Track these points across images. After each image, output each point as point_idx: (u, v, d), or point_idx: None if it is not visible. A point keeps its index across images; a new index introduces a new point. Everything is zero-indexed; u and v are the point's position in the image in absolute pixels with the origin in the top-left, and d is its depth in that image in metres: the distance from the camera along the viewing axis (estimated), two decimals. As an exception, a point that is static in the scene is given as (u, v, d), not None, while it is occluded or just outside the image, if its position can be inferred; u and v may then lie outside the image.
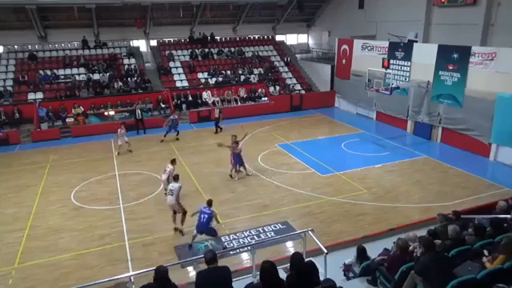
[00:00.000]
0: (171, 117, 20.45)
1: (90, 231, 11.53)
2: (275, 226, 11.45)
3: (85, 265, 9.90)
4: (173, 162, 13.05)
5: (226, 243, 10.56)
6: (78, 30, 27.15)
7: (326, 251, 7.24)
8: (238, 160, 15.05)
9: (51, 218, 12.40)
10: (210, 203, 10.21)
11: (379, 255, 7.70)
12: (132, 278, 6.98)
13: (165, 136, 20.19)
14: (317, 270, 5.54)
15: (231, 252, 10.00)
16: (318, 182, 14.72)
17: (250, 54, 30.33)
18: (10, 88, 23.54)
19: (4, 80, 24.02)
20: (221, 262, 5.85)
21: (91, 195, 14.00)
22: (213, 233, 10.17)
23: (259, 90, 26.28)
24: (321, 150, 18.46)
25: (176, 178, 11.33)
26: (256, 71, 28.73)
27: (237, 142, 15.03)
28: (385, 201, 13.02)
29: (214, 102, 24.91)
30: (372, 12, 27.20)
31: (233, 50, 30.26)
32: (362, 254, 7.99)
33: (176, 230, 11.28)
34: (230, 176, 15.20)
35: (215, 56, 29.60)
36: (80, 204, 13.33)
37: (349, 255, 8.35)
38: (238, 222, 11.80)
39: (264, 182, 14.74)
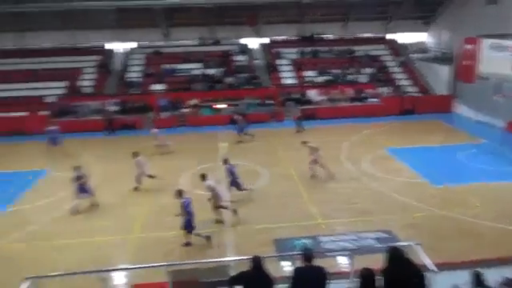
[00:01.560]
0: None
1: (196, 214, 12.34)
2: (376, 234, 10.89)
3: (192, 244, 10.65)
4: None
5: (323, 244, 10.40)
6: (197, 28, 29.27)
7: (435, 270, 6.61)
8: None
9: (163, 198, 13.48)
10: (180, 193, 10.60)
11: (500, 284, 6.77)
12: (231, 263, 7.30)
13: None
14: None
15: (328, 253, 9.81)
16: (428, 192, 13.59)
17: (360, 53, 29.26)
18: (139, 79, 26.45)
19: (135, 72, 27.09)
20: (316, 262, 5.77)
21: (198, 181, 14.91)
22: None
23: (368, 90, 25.26)
24: (433, 158, 17.01)
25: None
26: (365, 71, 27.64)
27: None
28: (508, 222, 11.43)
29: (319, 101, 24.72)
30: (507, 8, 23.96)
31: (341, 48, 29.54)
32: (478, 280, 7.10)
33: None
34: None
35: (323, 54, 29.25)
36: (188, 188, 14.32)
37: (458, 278, 7.51)
38: (336, 224, 11.54)
39: (368, 187, 14.15)
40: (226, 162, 13.30)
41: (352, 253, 7.79)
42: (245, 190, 13.28)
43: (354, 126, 21.77)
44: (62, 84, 25.82)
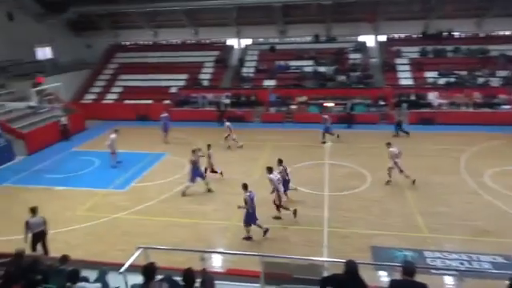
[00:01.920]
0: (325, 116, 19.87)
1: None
2: (494, 258, 9.57)
3: (286, 238, 10.80)
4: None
5: (428, 260, 9.54)
6: (313, 25, 29.14)
7: None
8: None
9: (266, 190, 13.78)
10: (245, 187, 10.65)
11: None
12: (325, 263, 7.16)
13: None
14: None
15: (433, 271, 8.98)
16: None
17: (495, 53, 25.83)
18: (251, 75, 27.54)
19: (248, 67, 28.26)
20: (417, 278, 5.28)
21: (301, 177, 14.99)
22: None
23: (501, 95, 22.24)
24: None
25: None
26: (499, 73, 24.33)
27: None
28: None
29: (439, 105, 22.64)
30: None
31: (473, 47, 26.45)
32: None
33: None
34: None
35: (450, 54, 26.58)
36: (291, 183, 14.45)
37: None
38: (446, 241, 10.46)
39: (488, 203, 12.52)
40: (280, 162, 12.91)
41: (461, 274, 7.00)
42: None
43: (478, 135, 19.41)
44: (184, 76, 28.27)
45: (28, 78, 23.79)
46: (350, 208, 12.45)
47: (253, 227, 10.78)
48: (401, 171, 13.94)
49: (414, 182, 13.96)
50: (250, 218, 10.62)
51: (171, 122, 20.95)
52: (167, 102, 25.78)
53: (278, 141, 19.95)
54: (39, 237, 9.77)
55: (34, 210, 9.80)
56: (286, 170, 12.97)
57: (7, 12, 25.51)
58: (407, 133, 20.09)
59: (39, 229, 9.74)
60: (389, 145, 14.44)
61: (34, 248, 9.74)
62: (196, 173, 13.83)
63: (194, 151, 13.99)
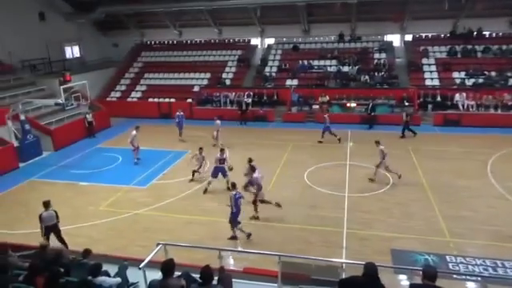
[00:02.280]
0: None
1: (315, 210, 12.38)
2: (521, 265, 9.24)
3: (304, 238, 10.74)
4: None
5: (451, 265, 9.30)
6: (337, 24, 28.82)
7: None
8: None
9: (285, 190, 13.95)
10: (233, 186, 10.74)
11: None
12: (344, 265, 7.08)
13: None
14: None
15: (455, 276, 8.75)
16: None
17: (529, 53, 24.86)
18: (274, 74, 27.50)
19: (271, 67, 28.24)
20: (439, 283, 5.15)
21: (322, 178, 14.92)
22: None
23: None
24: None
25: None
26: (533, 74, 23.41)
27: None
28: None
29: (467, 107, 22.01)
30: None
31: (504, 47, 25.54)
32: None
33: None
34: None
35: (479, 54, 25.76)
36: (311, 184, 14.44)
37: None
38: (470, 246, 10.16)
39: (516, 209, 12.09)
40: (250, 161, 12.95)
41: (485, 280, 6.79)
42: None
43: (506, 138, 18.77)
44: (207, 75, 28.51)
45: (56, 75, 24.59)
46: (371, 210, 12.26)
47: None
48: (389, 170, 14.17)
49: (400, 176, 14.09)
50: (234, 219, 10.63)
51: (185, 120, 21.27)
52: (190, 100, 26.07)
53: (299, 141, 19.85)
54: (52, 229, 10.18)
55: (46, 204, 10.21)
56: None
57: (39, 12, 26.41)
58: (414, 133, 19.83)
59: (51, 222, 10.13)
60: (378, 143, 14.48)
61: (47, 240, 10.05)
62: (217, 170, 13.96)
63: (221, 150, 14.36)
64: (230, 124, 23.25)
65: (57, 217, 10.18)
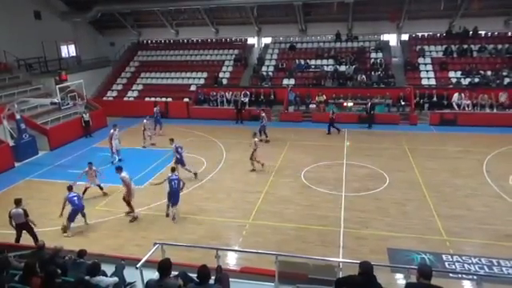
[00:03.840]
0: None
1: (312, 209, 12.39)
2: (517, 264, 9.30)
3: (301, 238, 10.76)
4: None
5: (447, 264, 9.34)
6: (334, 23, 28.87)
7: None
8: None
9: (282, 189, 13.97)
10: (173, 170, 12.06)
11: None
12: (341, 264, 7.09)
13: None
14: None
15: (451, 274, 8.79)
16: None
17: (524, 53, 24.99)
18: (270, 73, 27.49)
19: (267, 66, 28.23)
20: (435, 282, 5.17)
21: (319, 177, 14.95)
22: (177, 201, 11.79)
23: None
24: None
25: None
26: (528, 74, 23.53)
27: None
28: None
29: (463, 106, 22.09)
30: None
31: (500, 46, 25.67)
32: None
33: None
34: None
35: (475, 53, 25.88)
36: (308, 183, 14.46)
37: None
38: (466, 245, 10.21)
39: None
40: (172, 141, 15.09)
41: (481, 279, 6.80)
42: (188, 170, 14.90)
43: (502, 137, 18.86)
44: (204, 75, 28.46)
45: (52, 74, 24.47)
46: (368, 209, 12.29)
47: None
48: (256, 160, 15.48)
49: (262, 164, 15.51)
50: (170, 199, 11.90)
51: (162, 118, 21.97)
52: (186, 99, 26.04)
53: (296, 140, 19.87)
54: (22, 227, 10.34)
55: (17, 202, 10.37)
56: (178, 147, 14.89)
57: (34, 11, 26.26)
58: (339, 130, 20.76)
59: (20, 220, 10.25)
60: (254, 135, 15.85)
61: (17, 238, 10.40)
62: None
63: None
64: (227, 123, 23.29)
65: (26, 215, 10.30)
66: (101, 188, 14.18)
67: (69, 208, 11.42)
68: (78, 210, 11.48)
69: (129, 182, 12.12)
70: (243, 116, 23.94)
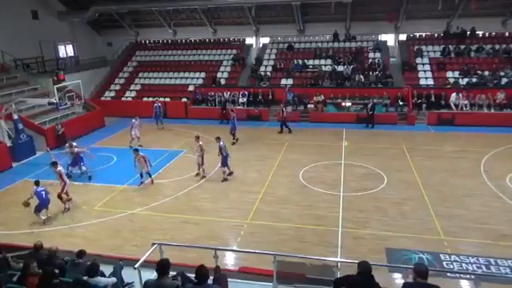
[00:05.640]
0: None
1: (310, 209, 12.40)
2: (514, 263, 9.33)
3: (300, 238, 10.76)
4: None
5: (445, 263, 9.37)
6: (331, 24, 28.91)
7: None
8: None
9: (280, 189, 13.98)
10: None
11: None
12: (339, 264, 7.11)
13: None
14: None
15: (449, 274, 8.82)
16: None
17: (521, 53, 25.05)
18: (269, 73, 27.50)
19: (266, 66, 28.24)
20: (433, 281, 5.18)
21: (317, 177, 14.96)
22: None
23: (525, 97, 21.61)
24: None
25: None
26: (525, 74, 23.60)
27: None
28: None
29: (461, 106, 22.15)
30: None
31: (497, 47, 25.76)
32: None
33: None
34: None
35: (472, 53, 25.95)
36: (306, 183, 14.46)
37: None
38: (463, 244, 10.23)
39: (510, 208, 12.15)
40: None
41: (478, 278, 6.84)
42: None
43: (500, 137, 18.92)
44: (202, 75, 28.45)
45: (50, 74, 24.41)
46: (366, 209, 12.31)
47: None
48: (202, 164, 15.35)
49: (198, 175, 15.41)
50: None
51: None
52: (185, 99, 26.04)
53: (294, 140, 19.89)
54: None
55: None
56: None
57: (31, 10, 26.19)
58: (290, 130, 21.16)
59: None
60: (197, 138, 15.49)
61: None
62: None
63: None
64: (225, 123, 23.26)
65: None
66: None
67: (36, 201, 12.01)
68: (44, 203, 12.12)
69: (64, 177, 13.01)
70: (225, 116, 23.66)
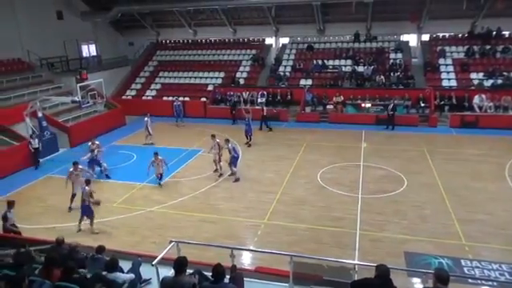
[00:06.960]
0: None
1: (327, 211, 12.31)
2: (538, 270, 9.03)
3: (316, 239, 10.70)
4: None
5: (466, 269, 9.14)
6: (352, 24, 28.57)
7: None
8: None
9: (298, 190, 13.93)
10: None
11: None
12: (356, 266, 7.02)
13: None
14: None
15: (470, 280, 8.60)
16: None
17: (549, 54, 24.23)
18: (288, 73, 27.42)
19: (285, 66, 28.17)
20: (453, 287, 5.06)
21: (335, 178, 14.84)
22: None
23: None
24: None
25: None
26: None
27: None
28: None
29: (485, 108, 21.57)
30: None
31: (525, 48, 24.95)
32: None
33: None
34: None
35: (498, 54, 25.22)
36: (323, 184, 14.37)
37: None
38: (485, 250, 9.97)
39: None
40: (228, 141, 15.29)
41: (501, 285, 6.65)
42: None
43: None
44: (221, 75, 28.60)
45: (73, 73, 24.97)
46: (384, 211, 12.14)
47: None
48: (219, 161, 15.52)
49: (217, 172, 15.54)
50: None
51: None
52: (204, 99, 26.23)
53: (313, 141, 19.76)
54: None
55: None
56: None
57: (57, 11, 26.85)
58: (271, 129, 21.74)
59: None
60: (213, 137, 15.63)
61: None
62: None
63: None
64: (243, 123, 23.28)
65: None
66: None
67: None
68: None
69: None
70: (235, 116, 23.76)
